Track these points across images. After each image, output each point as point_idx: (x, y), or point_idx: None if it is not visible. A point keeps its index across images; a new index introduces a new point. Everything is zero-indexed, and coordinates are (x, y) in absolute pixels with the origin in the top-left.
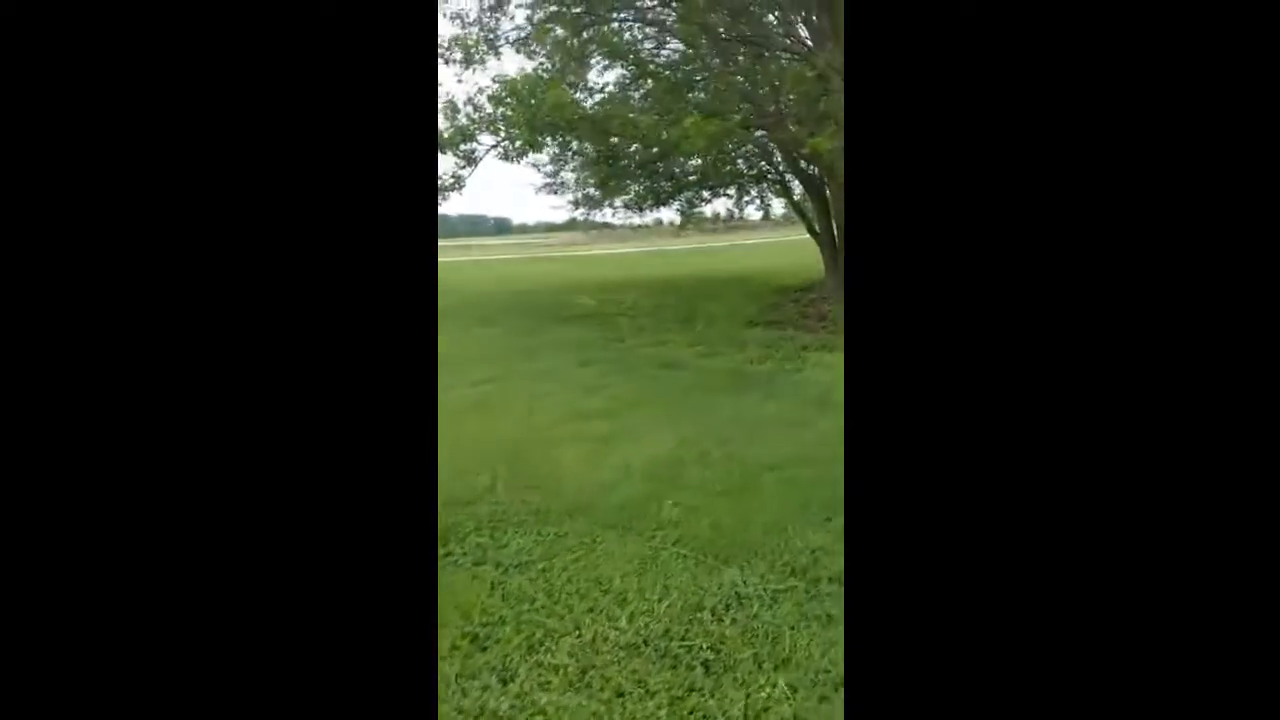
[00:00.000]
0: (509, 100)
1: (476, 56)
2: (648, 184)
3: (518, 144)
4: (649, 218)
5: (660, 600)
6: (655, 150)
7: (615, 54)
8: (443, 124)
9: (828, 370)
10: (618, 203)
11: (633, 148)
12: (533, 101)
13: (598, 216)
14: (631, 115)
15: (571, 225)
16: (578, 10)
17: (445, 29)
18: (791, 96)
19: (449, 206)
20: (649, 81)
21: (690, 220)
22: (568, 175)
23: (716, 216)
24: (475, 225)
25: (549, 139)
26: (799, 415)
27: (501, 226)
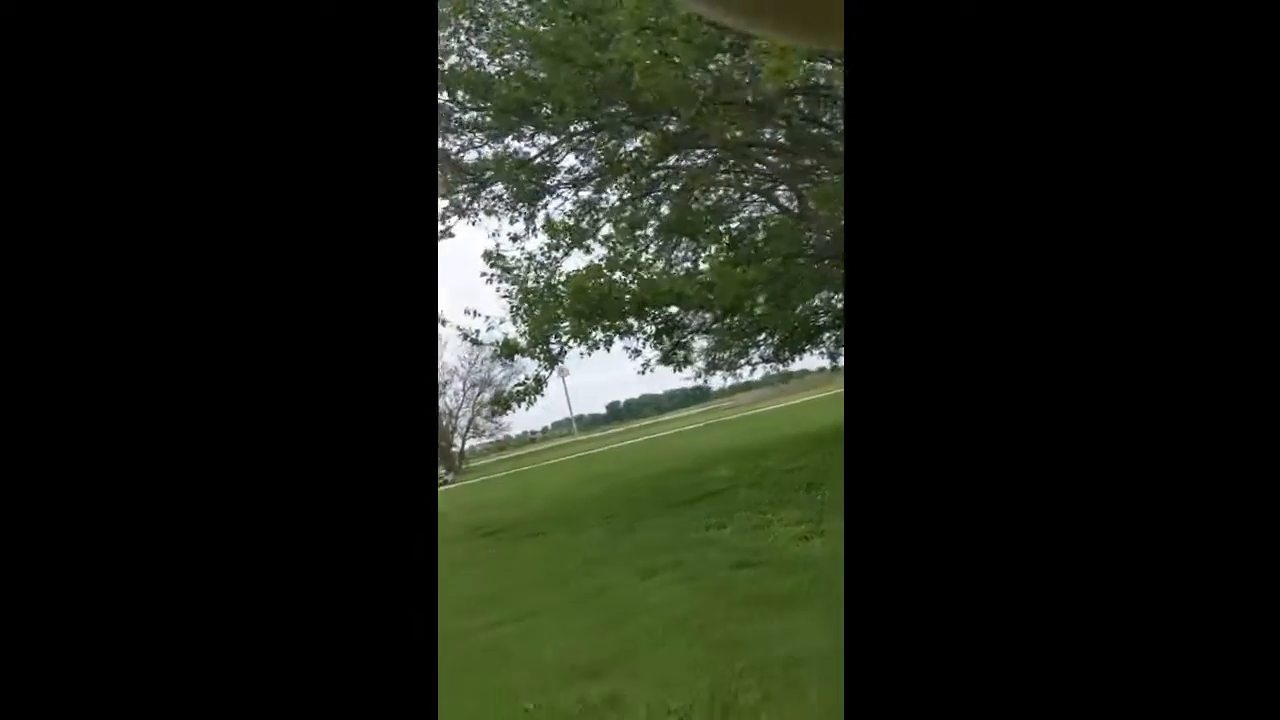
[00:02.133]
0: (529, 300)
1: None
2: (777, 337)
3: (565, 340)
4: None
5: None
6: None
7: (679, 229)
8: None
9: None
10: (755, 358)
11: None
12: (545, 287)
13: (741, 376)
14: (650, 277)
15: (765, 382)
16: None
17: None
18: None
19: (655, 384)
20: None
21: (836, 366)
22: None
23: None
24: (677, 398)
25: (598, 327)
26: None
27: (702, 394)
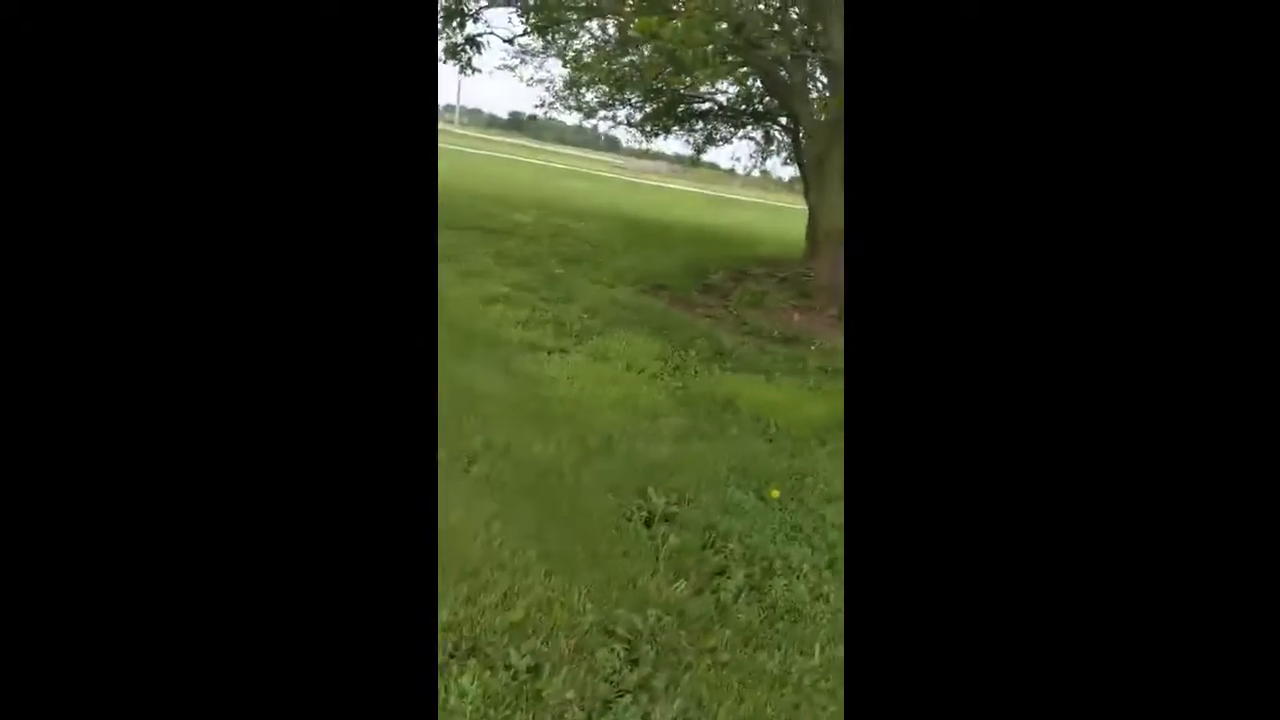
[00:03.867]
0: None
1: None
2: (654, 101)
3: None
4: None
5: None
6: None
7: None
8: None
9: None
10: (620, 116)
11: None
12: None
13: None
14: None
15: (671, 159)
16: None
17: None
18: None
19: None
20: None
21: (699, 159)
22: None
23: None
24: (588, 140)
25: None
26: None
27: (612, 145)
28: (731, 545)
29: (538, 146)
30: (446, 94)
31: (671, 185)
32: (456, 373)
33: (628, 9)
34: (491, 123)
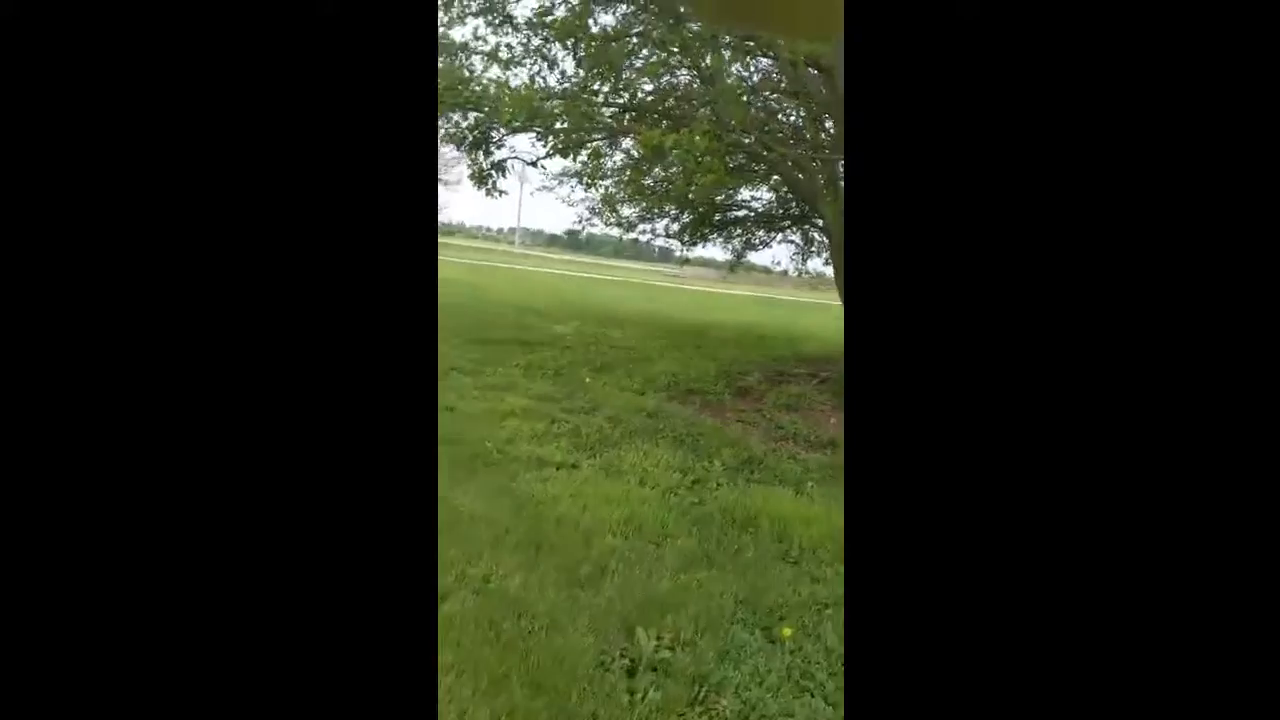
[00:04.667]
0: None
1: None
2: (691, 212)
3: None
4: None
5: None
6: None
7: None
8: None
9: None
10: (659, 229)
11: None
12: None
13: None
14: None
15: (721, 265)
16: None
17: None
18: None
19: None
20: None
21: (738, 264)
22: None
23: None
24: (641, 252)
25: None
26: None
27: (665, 255)
28: (725, 700)
29: (592, 261)
30: (507, 216)
31: (719, 290)
32: (447, 496)
33: (647, 128)
34: (552, 241)
